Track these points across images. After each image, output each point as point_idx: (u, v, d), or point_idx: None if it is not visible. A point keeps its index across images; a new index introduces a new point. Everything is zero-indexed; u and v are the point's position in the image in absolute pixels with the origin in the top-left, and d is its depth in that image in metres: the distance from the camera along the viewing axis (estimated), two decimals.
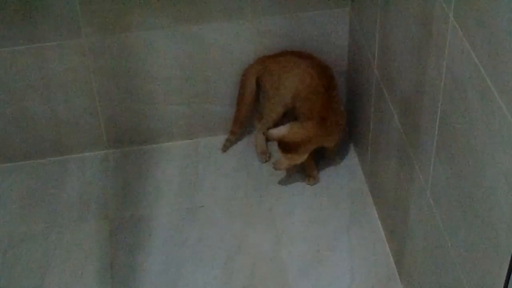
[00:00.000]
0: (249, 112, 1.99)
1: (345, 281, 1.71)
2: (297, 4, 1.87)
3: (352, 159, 2.00)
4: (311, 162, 1.94)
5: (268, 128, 1.92)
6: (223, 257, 1.78)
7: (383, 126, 1.71)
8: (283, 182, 1.96)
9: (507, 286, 1.07)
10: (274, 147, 1.95)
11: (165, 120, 2.04)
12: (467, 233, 1.23)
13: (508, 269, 1.06)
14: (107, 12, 1.82)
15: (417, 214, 1.51)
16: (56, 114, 1.97)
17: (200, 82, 1.98)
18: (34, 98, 1.93)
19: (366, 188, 1.92)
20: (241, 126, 2.02)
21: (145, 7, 1.82)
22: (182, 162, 2.03)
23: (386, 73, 1.62)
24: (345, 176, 1.97)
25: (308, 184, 1.94)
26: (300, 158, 1.86)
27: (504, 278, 1.07)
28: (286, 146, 1.83)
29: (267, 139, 1.99)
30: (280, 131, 1.84)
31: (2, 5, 1.78)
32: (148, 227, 1.86)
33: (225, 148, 2.04)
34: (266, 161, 2.01)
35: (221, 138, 2.06)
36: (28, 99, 1.94)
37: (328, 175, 1.97)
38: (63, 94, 1.94)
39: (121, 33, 1.86)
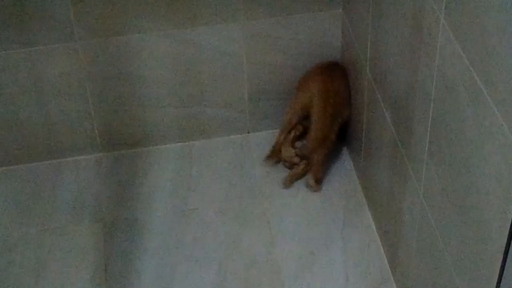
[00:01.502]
0: None
1: (339, 282, 1.71)
2: (289, 6, 1.87)
3: (345, 160, 2.00)
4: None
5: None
6: (218, 259, 1.78)
7: (376, 127, 1.70)
8: (276, 184, 1.96)
9: (499, 286, 1.07)
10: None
11: (159, 123, 2.02)
12: (459, 233, 1.23)
13: (500, 269, 1.06)
14: (100, 15, 1.82)
15: (410, 215, 1.51)
16: (49, 118, 1.97)
17: (193, 85, 1.97)
18: (27, 102, 1.92)
19: (360, 189, 1.92)
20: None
21: (138, 10, 1.82)
22: (176, 164, 2.02)
23: (378, 75, 1.62)
24: (339, 177, 1.96)
25: (311, 189, 1.94)
26: None
27: (497, 278, 1.08)
28: None
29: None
30: None
31: None
32: (142, 229, 1.85)
33: (315, 190, 1.93)
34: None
35: (215, 141, 2.06)
36: (21, 103, 1.93)
37: (321, 177, 1.97)
38: (57, 98, 1.94)
39: (114, 36, 1.85)
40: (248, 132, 2.08)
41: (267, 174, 1.98)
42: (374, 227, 1.82)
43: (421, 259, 1.47)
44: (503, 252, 1.04)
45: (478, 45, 1.06)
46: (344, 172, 1.98)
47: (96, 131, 2.01)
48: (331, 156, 1.99)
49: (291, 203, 1.92)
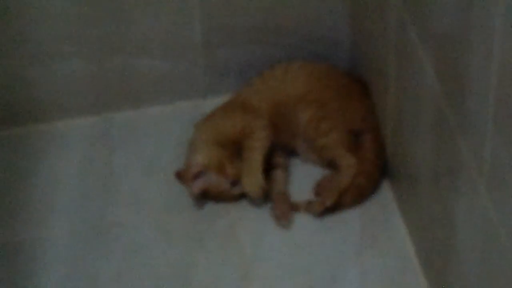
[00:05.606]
0: None
1: None
2: None
3: None
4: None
5: None
6: None
7: (409, 84, 1.62)
8: None
9: None
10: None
11: (60, 85, 2.01)
12: None
13: None
14: None
15: (466, 219, 1.42)
16: None
17: (114, 21, 2.00)
18: None
19: (387, 181, 1.82)
20: None
21: None
22: (87, 150, 1.94)
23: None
24: None
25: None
26: None
27: None
28: None
29: None
30: None
31: None
32: (34, 258, 1.74)
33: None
34: None
35: (149, 112, 2.01)
36: None
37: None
38: None
39: None
40: (204, 96, 2.03)
41: None
42: (409, 243, 1.77)
43: None
44: None
45: None
46: None
47: None
48: None
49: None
